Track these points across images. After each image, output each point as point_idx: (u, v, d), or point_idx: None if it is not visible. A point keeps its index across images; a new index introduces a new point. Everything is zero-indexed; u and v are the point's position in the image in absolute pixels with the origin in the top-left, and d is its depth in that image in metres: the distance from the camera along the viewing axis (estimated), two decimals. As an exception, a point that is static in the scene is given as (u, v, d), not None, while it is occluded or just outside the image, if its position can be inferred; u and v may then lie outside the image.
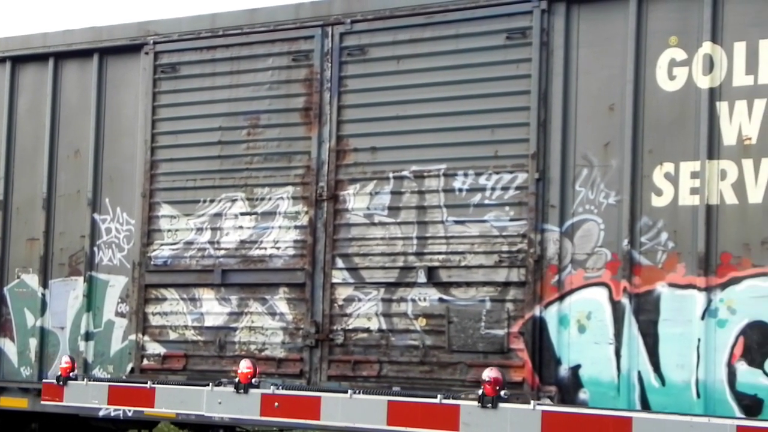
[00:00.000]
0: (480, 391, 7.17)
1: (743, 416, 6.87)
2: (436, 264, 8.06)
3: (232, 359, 8.77)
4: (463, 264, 7.97)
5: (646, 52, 7.50)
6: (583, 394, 7.51)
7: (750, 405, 6.97)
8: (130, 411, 8.81)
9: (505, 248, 7.84)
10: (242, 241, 8.83)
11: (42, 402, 9.12)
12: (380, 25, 8.43)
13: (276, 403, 7.98)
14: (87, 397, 8.82)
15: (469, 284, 7.95)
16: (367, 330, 8.28)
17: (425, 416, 7.38)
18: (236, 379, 8.16)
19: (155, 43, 9.32)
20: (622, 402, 7.32)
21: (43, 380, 9.26)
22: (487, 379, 7.19)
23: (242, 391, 8.12)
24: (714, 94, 7.26)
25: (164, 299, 9.12)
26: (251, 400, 8.09)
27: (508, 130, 7.91)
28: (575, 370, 7.56)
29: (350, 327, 8.35)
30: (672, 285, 7.28)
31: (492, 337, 7.83)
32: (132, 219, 9.36)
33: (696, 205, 7.25)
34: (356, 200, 8.40)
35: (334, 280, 8.43)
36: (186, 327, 9.01)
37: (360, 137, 8.44)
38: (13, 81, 10.06)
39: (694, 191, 7.27)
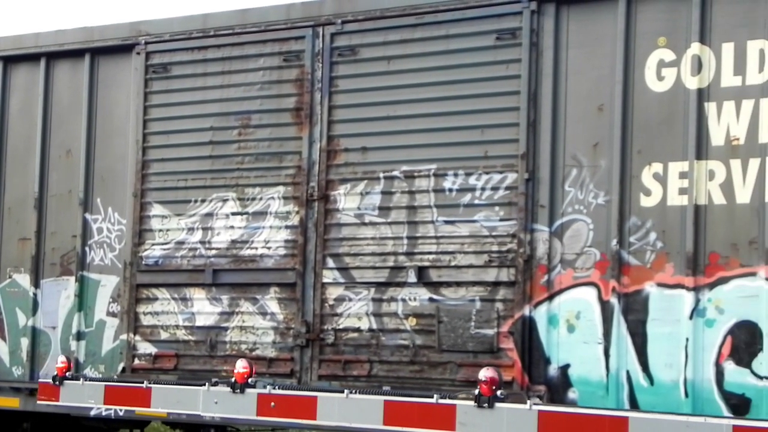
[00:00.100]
0: (476, 391, 7.19)
1: (734, 416, 6.88)
2: (427, 264, 8.09)
3: (223, 359, 8.79)
4: (453, 264, 7.99)
5: (635, 52, 7.53)
6: (572, 394, 7.54)
7: (738, 404, 7.01)
8: (121, 410, 8.83)
9: (494, 248, 7.87)
10: (233, 241, 8.85)
11: (38, 402, 9.12)
12: (371, 26, 8.45)
13: (272, 403, 7.99)
14: (83, 396, 8.83)
15: (459, 284, 7.97)
16: (358, 330, 8.30)
17: (421, 416, 7.39)
18: (232, 379, 8.17)
19: (147, 43, 9.34)
20: (611, 401, 7.36)
21: (39, 380, 9.26)
22: (483, 378, 7.20)
23: (238, 390, 8.13)
24: (702, 95, 7.30)
25: (155, 299, 9.13)
26: (247, 399, 8.10)
27: (498, 131, 7.93)
28: (564, 369, 7.59)
29: (341, 327, 8.37)
30: (660, 285, 7.31)
31: (482, 337, 7.85)
32: (123, 219, 9.38)
33: (684, 205, 7.28)
34: (347, 200, 8.43)
35: (325, 280, 8.45)
36: (177, 327, 9.03)
37: (351, 137, 8.46)
38: (4, 81, 10.07)
39: (682, 191, 7.30)
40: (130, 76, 9.43)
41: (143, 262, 9.20)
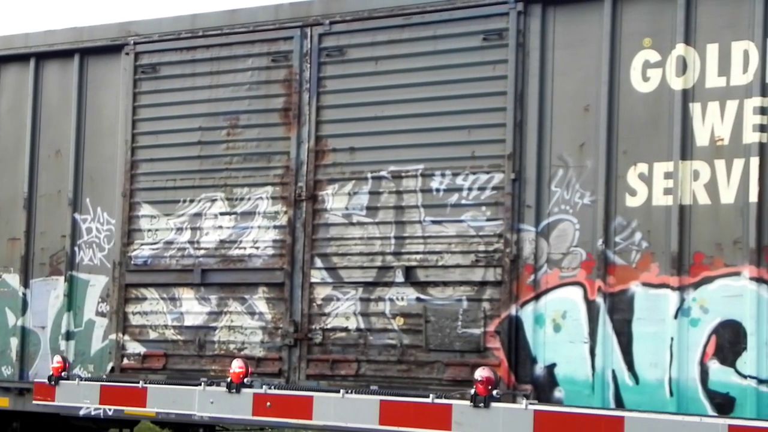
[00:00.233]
0: (472, 391, 7.22)
1: (731, 416, 6.89)
2: (414, 264, 8.12)
3: (211, 358, 8.82)
4: (440, 264, 8.03)
5: (621, 53, 7.57)
6: (558, 393, 7.58)
7: (722, 403, 7.05)
8: (110, 410, 8.84)
9: (481, 248, 7.90)
10: (222, 241, 8.88)
11: (34, 401, 9.12)
12: (359, 26, 8.48)
13: (268, 403, 8.00)
14: (79, 397, 8.83)
15: (446, 284, 8.01)
16: (346, 329, 8.33)
17: (417, 416, 7.41)
18: (228, 379, 8.20)
19: (136, 43, 9.36)
20: (597, 400, 7.39)
21: (35, 380, 9.25)
22: (479, 378, 7.22)
23: (234, 390, 8.14)
24: (687, 96, 7.33)
25: (144, 299, 9.16)
26: (243, 399, 8.12)
27: (485, 131, 7.97)
28: (551, 368, 7.62)
29: (329, 326, 8.40)
30: (646, 284, 7.35)
31: (468, 336, 7.89)
32: (112, 219, 9.40)
33: (669, 206, 7.32)
34: (335, 200, 8.45)
35: (313, 280, 8.48)
36: (166, 326, 9.05)
37: (338, 138, 8.49)
38: (-6, 81, 10.10)
39: (667, 191, 7.34)
40: (119, 76, 9.44)
41: (132, 262, 9.22)
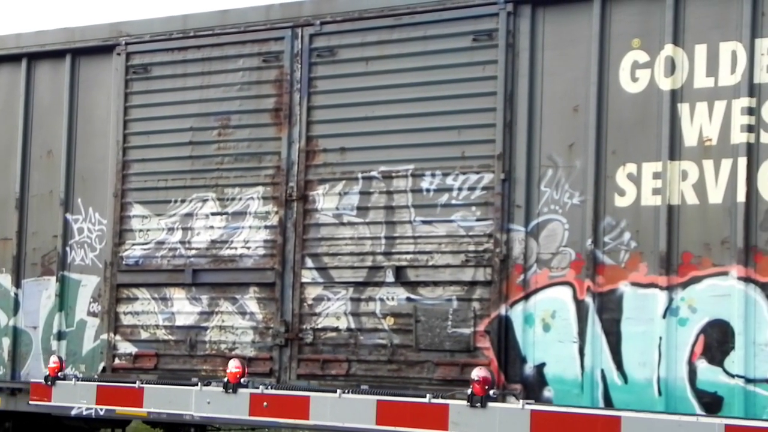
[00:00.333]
0: (469, 391, 7.23)
1: (725, 415, 6.91)
2: (404, 263, 8.14)
3: (202, 358, 8.84)
4: (430, 263, 8.05)
5: (610, 54, 7.59)
6: (547, 392, 7.60)
7: (710, 402, 7.07)
8: (101, 409, 8.86)
9: (471, 248, 7.93)
10: (213, 241, 8.89)
11: (30, 402, 9.13)
12: (349, 27, 8.50)
13: (265, 403, 8.03)
14: (75, 397, 8.86)
15: (436, 283, 8.03)
16: (336, 329, 8.35)
17: (414, 416, 7.43)
18: (225, 379, 8.21)
19: (127, 44, 9.37)
20: (586, 400, 7.41)
21: (32, 380, 9.25)
22: (476, 378, 7.24)
23: (231, 390, 8.16)
24: (675, 96, 7.36)
25: (136, 299, 9.17)
26: (240, 399, 8.14)
27: (475, 131, 7.99)
28: (540, 368, 7.65)
29: (319, 326, 8.42)
30: (634, 284, 7.37)
31: (458, 336, 7.91)
32: (104, 219, 9.41)
33: (658, 206, 7.34)
34: (325, 200, 8.47)
35: (304, 280, 8.50)
36: (157, 326, 9.07)
37: (329, 138, 8.51)
38: (-14, 81, 10.11)
39: (656, 192, 7.37)
40: (110, 76, 9.46)
41: (123, 262, 9.24)
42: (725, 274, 7.09)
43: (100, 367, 9.25)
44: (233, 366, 8.20)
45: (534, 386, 7.63)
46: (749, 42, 7.14)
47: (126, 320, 9.20)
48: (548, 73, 7.80)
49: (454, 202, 8.01)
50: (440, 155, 8.07)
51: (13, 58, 9.97)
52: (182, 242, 9.00)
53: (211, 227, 8.90)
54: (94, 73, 9.62)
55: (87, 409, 8.87)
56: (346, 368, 8.28)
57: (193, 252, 8.95)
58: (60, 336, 9.50)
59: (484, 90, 7.96)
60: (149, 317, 9.10)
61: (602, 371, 7.41)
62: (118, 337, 9.21)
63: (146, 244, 9.15)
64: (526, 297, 7.72)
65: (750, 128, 7.11)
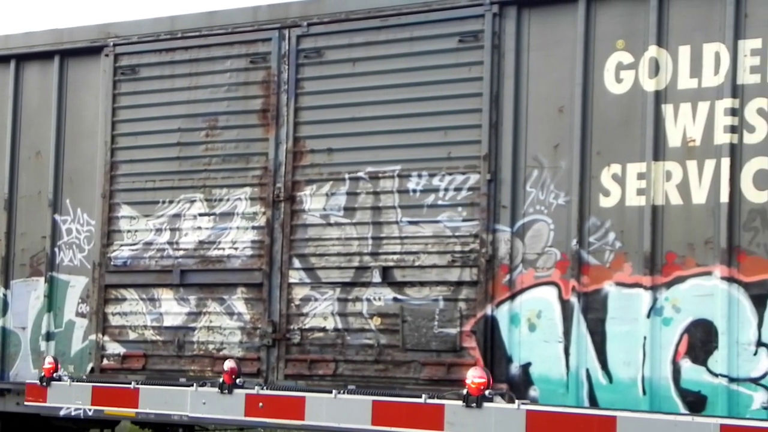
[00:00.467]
0: (464, 391, 7.25)
1: (723, 415, 6.93)
2: (391, 264, 8.17)
3: (190, 359, 8.87)
4: (416, 264, 8.08)
5: (594, 55, 7.63)
6: (533, 392, 7.63)
7: (694, 402, 7.11)
8: (90, 410, 8.87)
9: (457, 248, 7.96)
10: (201, 242, 8.92)
11: (26, 403, 9.13)
12: (336, 28, 8.53)
13: (260, 404, 8.04)
14: (71, 397, 8.86)
15: (422, 284, 8.06)
16: (323, 329, 8.38)
17: (410, 416, 7.44)
18: (220, 379, 8.22)
19: (115, 45, 9.39)
20: (571, 399, 7.45)
21: (27, 381, 9.24)
22: (472, 380, 7.23)
23: (226, 391, 8.18)
24: (659, 97, 7.40)
25: (124, 299, 9.19)
26: (235, 400, 8.15)
27: (461, 132, 8.02)
28: (526, 367, 7.68)
29: (307, 326, 8.45)
30: (619, 284, 7.41)
31: (445, 336, 7.94)
32: (92, 220, 9.43)
33: (642, 206, 7.38)
34: (313, 201, 8.50)
35: (291, 280, 8.52)
36: (145, 327, 9.09)
37: (316, 139, 8.54)
38: (-26, 83, 10.12)
39: (640, 192, 7.40)
40: (98, 77, 9.48)
41: (112, 263, 9.26)
42: (709, 274, 7.13)
43: (89, 368, 9.26)
44: (228, 366, 8.20)
45: (520, 386, 7.66)
46: (732, 43, 7.18)
47: (114, 321, 9.22)
48: (533, 74, 7.83)
49: (440, 202, 8.05)
50: (427, 156, 8.11)
51: (1, 60, 9.98)
52: (170, 243, 9.03)
53: (199, 228, 8.92)
54: (83, 74, 9.63)
55: (76, 409, 8.88)
56: (333, 368, 8.31)
57: (181, 253, 8.98)
58: (49, 337, 9.52)
59: (470, 91, 7.99)
60: (137, 318, 9.12)
61: (587, 371, 7.45)
62: (106, 338, 9.23)
63: (134, 244, 9.18)
64: (512, 297, 7.76)
65: (733, 129, 7.16)
